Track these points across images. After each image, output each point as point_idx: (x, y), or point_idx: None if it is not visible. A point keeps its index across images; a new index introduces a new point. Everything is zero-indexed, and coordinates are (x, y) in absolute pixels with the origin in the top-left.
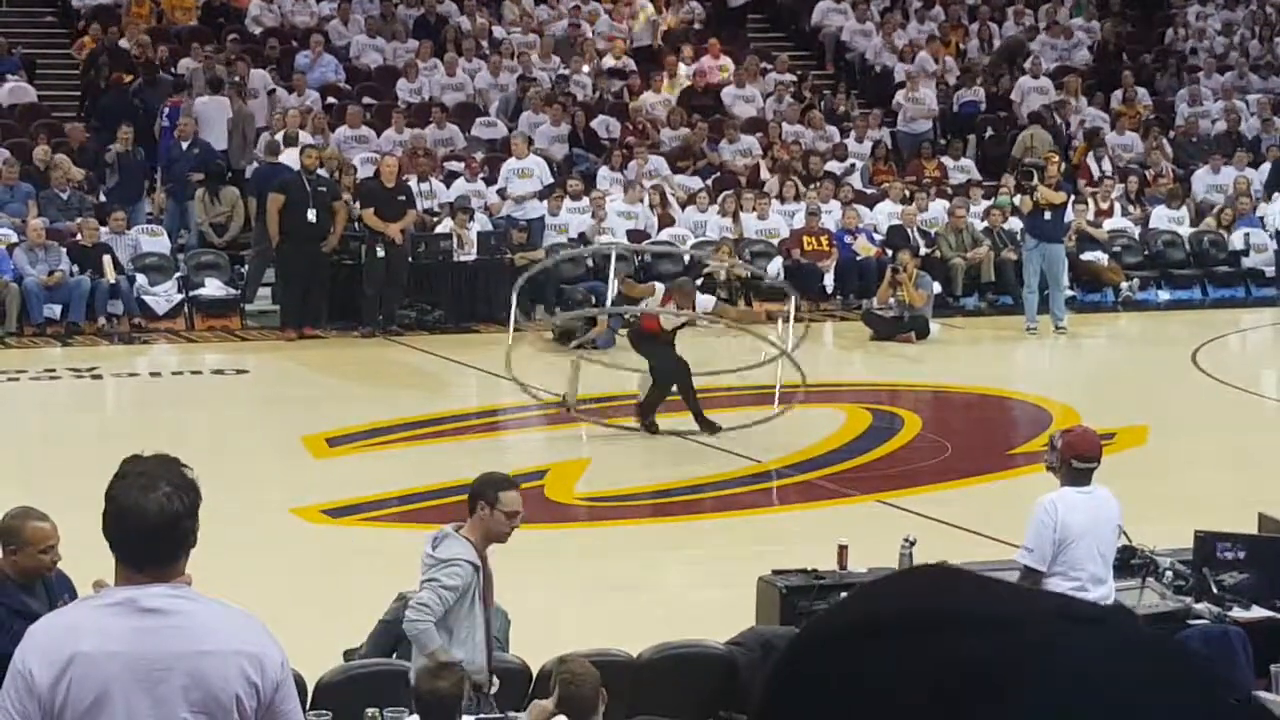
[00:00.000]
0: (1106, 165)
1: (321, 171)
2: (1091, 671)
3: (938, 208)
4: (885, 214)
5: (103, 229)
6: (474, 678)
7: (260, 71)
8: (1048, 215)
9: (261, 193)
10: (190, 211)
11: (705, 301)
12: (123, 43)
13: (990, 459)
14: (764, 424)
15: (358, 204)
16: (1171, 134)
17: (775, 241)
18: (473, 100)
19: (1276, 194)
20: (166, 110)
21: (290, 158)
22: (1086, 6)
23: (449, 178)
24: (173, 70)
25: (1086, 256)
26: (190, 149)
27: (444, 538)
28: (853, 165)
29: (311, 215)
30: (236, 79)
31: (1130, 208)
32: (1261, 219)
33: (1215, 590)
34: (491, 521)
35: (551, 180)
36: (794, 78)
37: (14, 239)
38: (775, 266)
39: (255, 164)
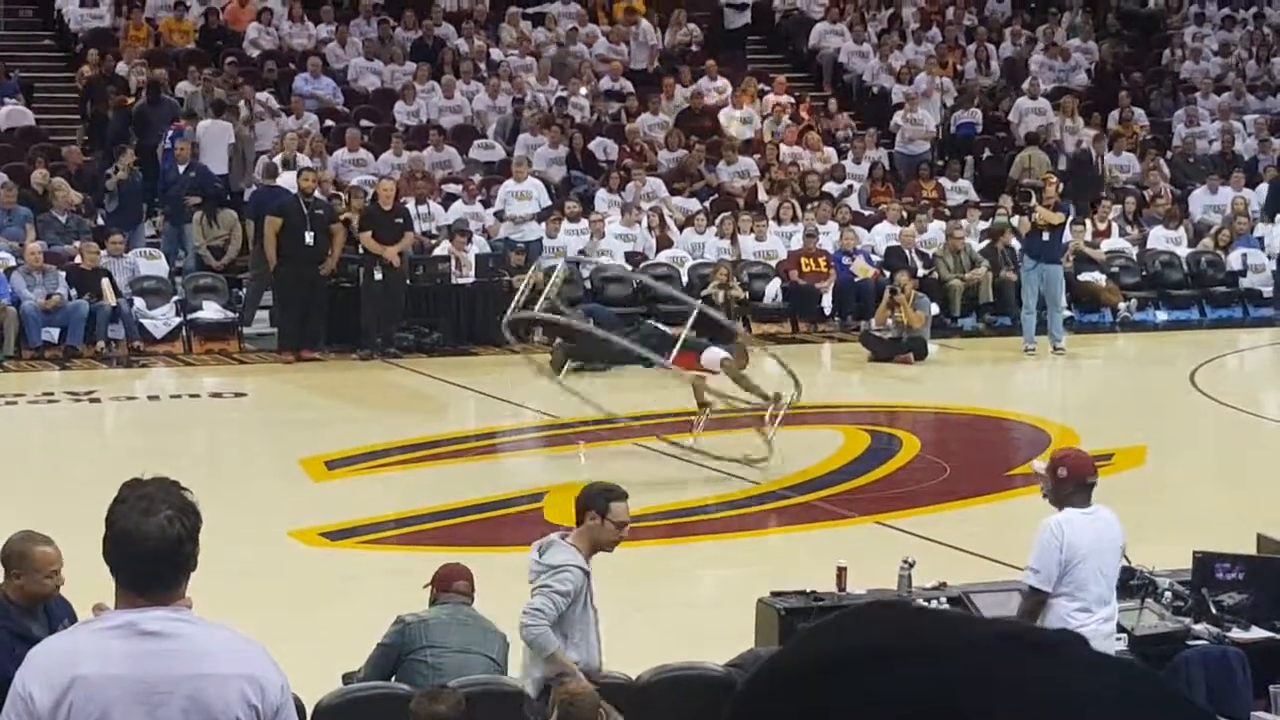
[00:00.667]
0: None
1: (319, 194)
2: (1054, 694)
3: (936, 229)
4: (883, 235)
5: (101, 252)
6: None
7: (264, 96)
8: (1045, 236)
9: (259, 216)
10: (187, 235)
11: (713, 356)
12: (121, 67)
13: (989, 480)
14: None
15: (357, 227)
16: (1169, 154)
17: (773, 263)
18: (470, 123)
19: (1278, 215)
20: (170, 133)
21: (288, 181)
22: (1083, 28)
23: (447, 200)
24: (169, 93)
25: (1084, 277)
26: (187, 172)
27: (550, 544)
28: (850, 186)
29: (309, 238)
30: (241, 101)
31: (1128, 228)
32: (1260, 239)
33: (1214, 611)
34: (601, 531)
35: (549, 202)
36: (792, 99)
37: (12, 262)
38: (773, 288)
39: (253, 187)
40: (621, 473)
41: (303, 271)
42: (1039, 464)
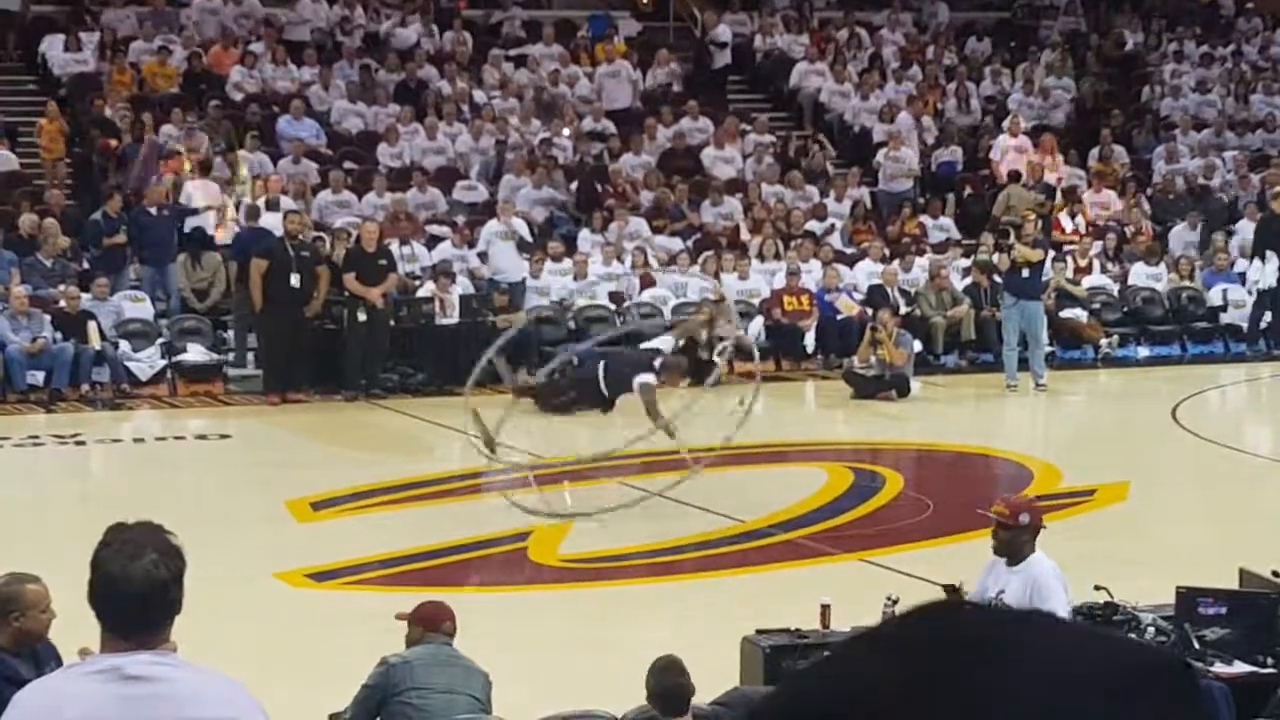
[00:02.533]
0: (1081, 222)
1: (304, 236)
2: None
3: (918, 267)
4: (865, 273)
5: (84, 295)
6: None
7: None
8: (1025, 273)
9: (244, 257)
10: (169, 276)
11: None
12: (107, 111)
13: (972, 517)
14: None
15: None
16: (1149, 191)
17: (756, 302)
18: (453, 164)
19: (1269, 253)
20: (154, 177)
21: (270, 222)
22: (1058, 66)
23: (431, 241)
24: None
25: (1066, 314)
26: (161, 213)
27: None
28: (832, 225)
29: (295, 280)
30: (220, 147)
31: (1109, 265)
32: (1241, 275)
33: (1197, 646)
34: None
35: (532, 242)
36: (773, 138)
37: None
38: (756, 327)
39: (235, 228)
40: (604, 508)
41: (288, 314)
42: (999, 511)
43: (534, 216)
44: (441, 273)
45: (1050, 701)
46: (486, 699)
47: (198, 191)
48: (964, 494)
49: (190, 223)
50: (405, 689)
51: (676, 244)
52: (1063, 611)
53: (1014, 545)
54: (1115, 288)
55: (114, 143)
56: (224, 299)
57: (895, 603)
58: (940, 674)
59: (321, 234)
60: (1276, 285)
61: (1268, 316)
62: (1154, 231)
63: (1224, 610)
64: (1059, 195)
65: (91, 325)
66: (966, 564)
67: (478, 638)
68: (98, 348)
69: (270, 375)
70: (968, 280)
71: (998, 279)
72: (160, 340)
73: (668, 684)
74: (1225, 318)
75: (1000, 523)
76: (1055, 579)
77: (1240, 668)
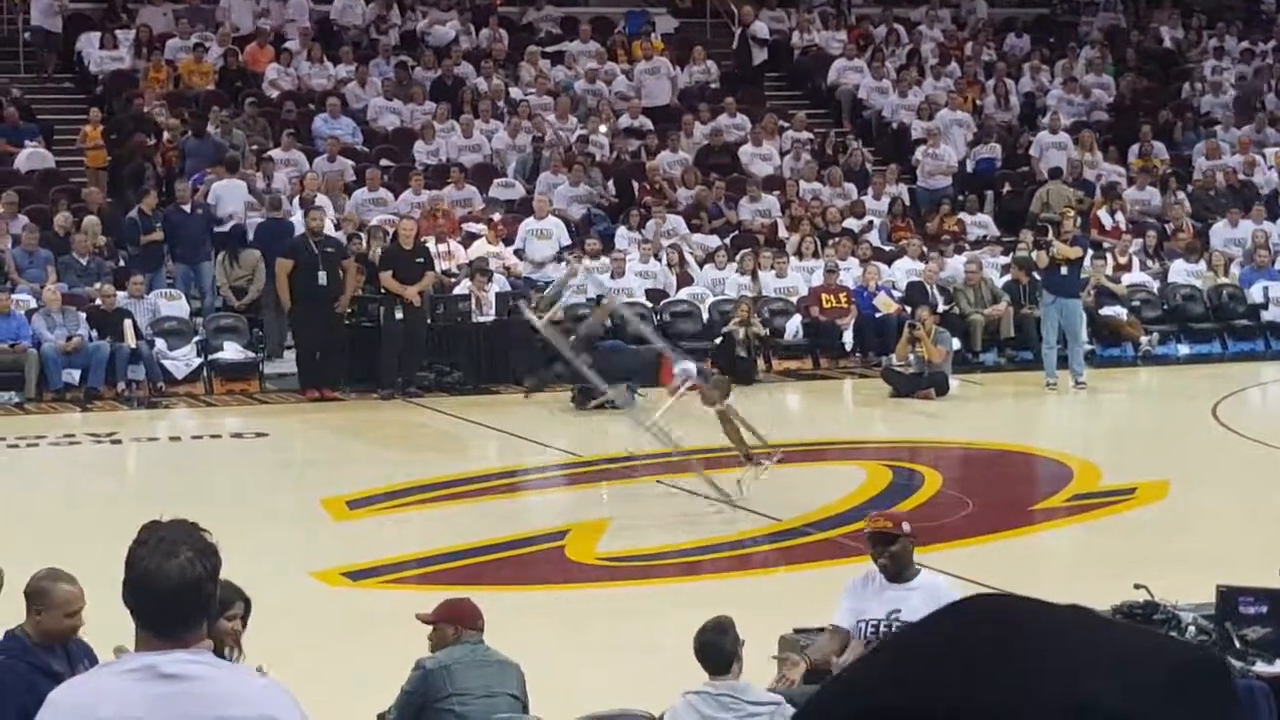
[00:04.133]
0: (1121, 219)
1: (329, 232)
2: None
3: (956, 264)
4: (904, 271)
5: (120, 294)
6: None
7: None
8: (1064, 270)
9: (268, 249)
10: (203, 274)
11: (684, 369)
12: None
13: (1012, 515)
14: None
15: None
16: (1189, 188)
17: (794, 299)
18: (490, 161)
19: None
20: (195, 176)
21: (301, 220)
22: (1098, 62)
23: (467, 239)
24: (191, 135)
25: (1106, 311)
26: (194, 212)
27: None
28: (871, 222)
29: (322, 277)
30: (254, 148)
31: (1149, 262)
32: None
33: (1238, 645)
34: None
35: (569, 241)
36: (811, 135)
37: (33, 304)
38: (794, 324)
39: (260, 219)
40: (642, 509)
41: (318, 311)
42: (883, 526)
43: (571, 214)
44: (478, 270)
45: (1097, 688)
46: (524, 693)
47: (225, 192)
48: (1003, 492)
49: (230, 218)
50: (445, 695)
51: (714, 241)
52: None
53: (906, 557)
54: (1155, 285)
55: (149, 142)
56: (262, 296)
57: None
58: (991, 655)
59: (358, 232)
60: None
61: None
62: (1194, 228)
63: (1265, 609)
64: (1098, 192)
65: (127, 323)
66: (1006, 561)
67: (516, 636)
68: (133, 346)
69: (306, 373)
70: (1006, 278)
71: (1036, 276)
72: (196, 338)
73: (703, 640)
74: (1266, 315)
75: (886, 535)
76: (956, 590)
77: None
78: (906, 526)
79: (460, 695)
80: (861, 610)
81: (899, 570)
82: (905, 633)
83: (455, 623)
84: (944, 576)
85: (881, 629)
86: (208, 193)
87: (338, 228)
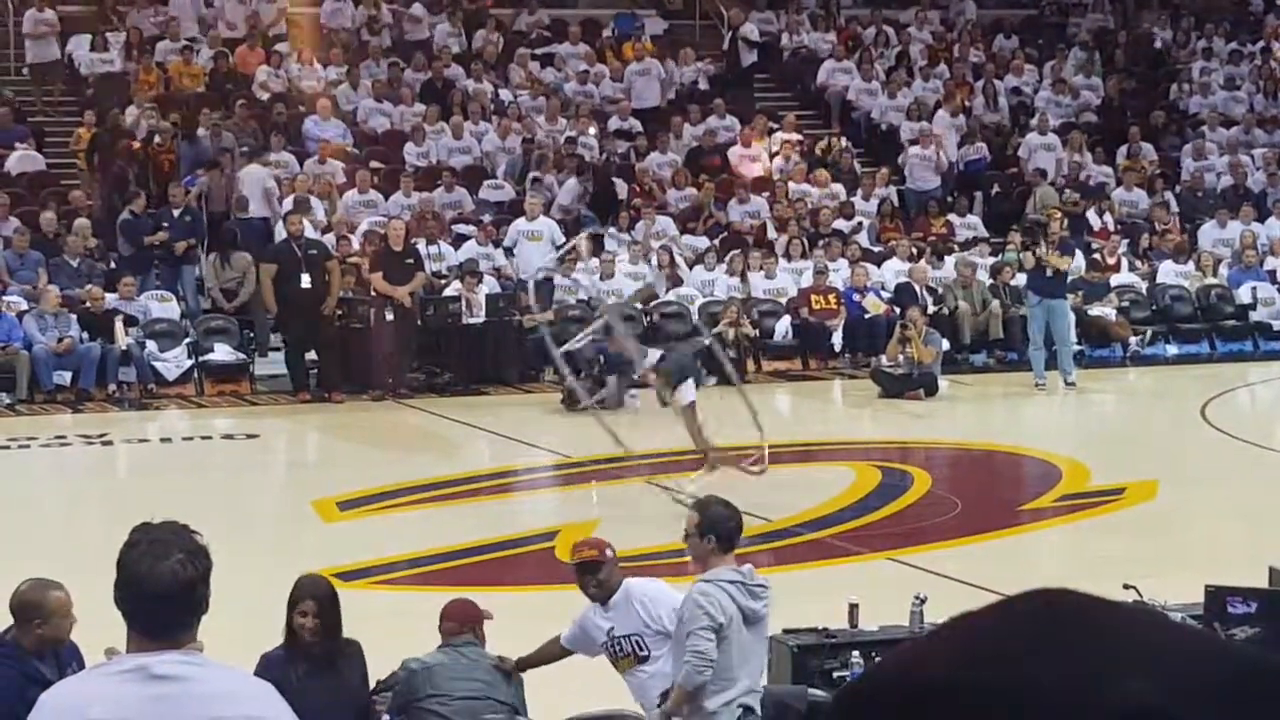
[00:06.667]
0: (1109, 220)
1: (311, 234)
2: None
3: (945, 265)
4: (893, 272)
5: (110, 295)
6: None
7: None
8: (1049, 272)
9: (234, 248)
10: (185, 277)
11: (687, 391)
12: (131, 110)
13: (1000, 515)
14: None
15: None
16: (1177, 189)
17: (783, 300)
18: (480, 163)
19: None
20: (187, 179)
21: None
22: (1087, 64)
23: (457, 240)
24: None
25: (1094, 312)
26: (182, 216)
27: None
28: (860, 223)
29: (305, 280)
30: (244, 149)
31: (1137, 263)
32: (1271, 273)
33: None
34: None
35: (560, 242)
36: (800, 137)
37: (24, 306)
38: (784, 325)
39: (230, 219)
40: (631, 509)
41: (304, 313)
42: (590, 556)
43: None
44: (468, 272)
45: (1154, 687)
46: (519, 700)
47: (249, 178)
48: (992, 493)
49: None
50: (424, 696)
51: (703, 242)
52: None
53: (612, 582)
54: (1144, 286)
55: (138, 144)
56: (252, 299)
57: (923, 602)
58: (1052, 643)
59: (348, 234)
60: None
61: None
62: (1182, 229)
63: (1253, 609)
64: (1084, 193)
65: (118, 325)
66: (995, 562)
67: (507, 637)
68: (124, 347)
69: (296, 375)
70: (990, 280)
71: (1021, 275)
72: (187, 340)
73: (722, 515)
74: (1254, 315)
75: (591, 563)
76: (653, 585)
77: None
78: (610, 552)
79: (439, 697)
80: (593, 640)
81: (609, 593)
82: (968, 615)
83: (463, 620)
84: (636, 579)
85: (612, 649)
86: (201, 193)
87: (328, 229)
